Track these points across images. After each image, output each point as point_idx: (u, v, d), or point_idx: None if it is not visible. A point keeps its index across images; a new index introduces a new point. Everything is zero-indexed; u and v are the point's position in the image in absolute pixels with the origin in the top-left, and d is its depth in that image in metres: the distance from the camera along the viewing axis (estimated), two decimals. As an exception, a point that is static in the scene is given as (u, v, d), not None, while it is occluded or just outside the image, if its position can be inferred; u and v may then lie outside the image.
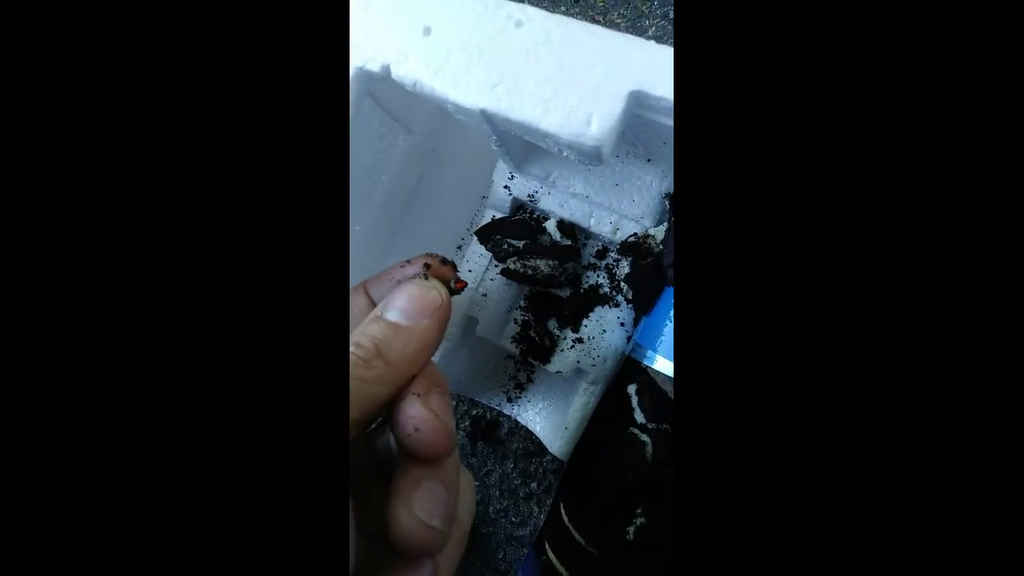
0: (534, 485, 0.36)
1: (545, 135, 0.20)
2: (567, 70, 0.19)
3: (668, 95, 0.19)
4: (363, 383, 0.17)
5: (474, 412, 0.37)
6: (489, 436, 0.37)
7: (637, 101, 0.19)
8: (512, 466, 0.36)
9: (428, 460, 0.17)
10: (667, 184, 0.26)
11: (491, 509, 0.36)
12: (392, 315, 0.18)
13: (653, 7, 0.38)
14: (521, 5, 0.21)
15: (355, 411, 0.16)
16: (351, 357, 0.17)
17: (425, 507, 0.16)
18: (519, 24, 0.20)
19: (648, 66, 0.19)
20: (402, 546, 0.16)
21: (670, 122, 0.20)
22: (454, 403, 0.38)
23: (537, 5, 0.40)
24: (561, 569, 0.26)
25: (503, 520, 0.36)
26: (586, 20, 0.39)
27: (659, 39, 0.39)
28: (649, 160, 0.26)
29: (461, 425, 0.38)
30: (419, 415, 0.17)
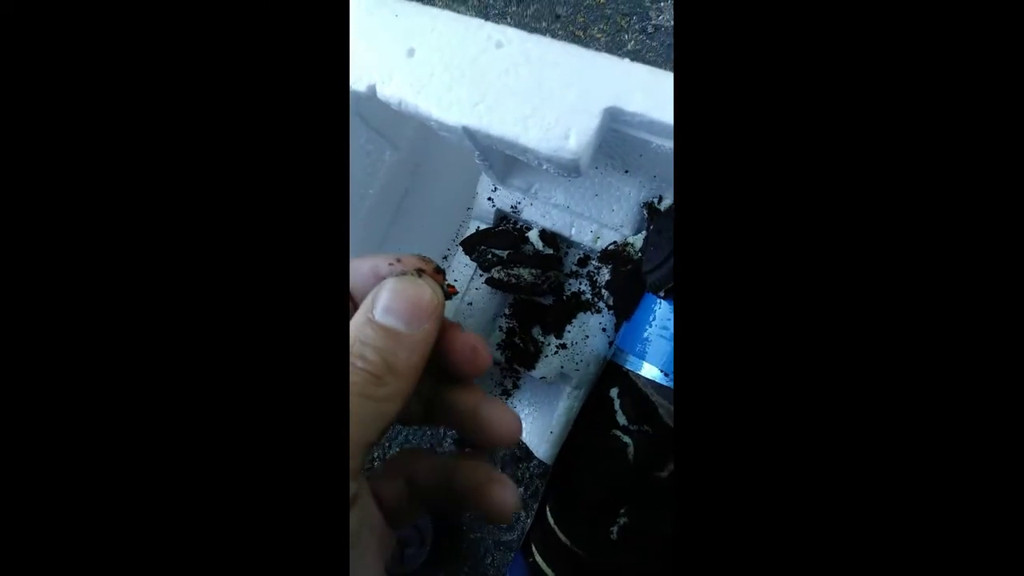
0: (521, 490, 0.37)
1: (525, 150, 0.21)
2: (545, 88, 0.20)
3: (642, 111, 0.20)
4: (376, 402, 0.15)
5: (462, 419, 0.38)
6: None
7: (613, 117, 0.20)
8: (500, 472, 0.37)
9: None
10: (644, 194, 0.27)
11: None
12: (386, 318, 0.17)
13: (632, 22, 0.40)
14: (501, 27, 0.22)
15: (371, 433, 0.15)
16: (360, 374, 0.15)
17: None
18: (499, 45, 0.21)
19: (623, 84, 0.20)
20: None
21: (645, 136, 0.21)
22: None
23: (519, 19, 0.41)
24: (548, 570, 0.26)
25: (491, 525, 0.37)
26: (567, 35, 0.41)
27: (638, 52, 0.40)
28: (627, 171, 0.27)
29: (449, 433, 0.38)
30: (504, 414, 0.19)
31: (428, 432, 0.39)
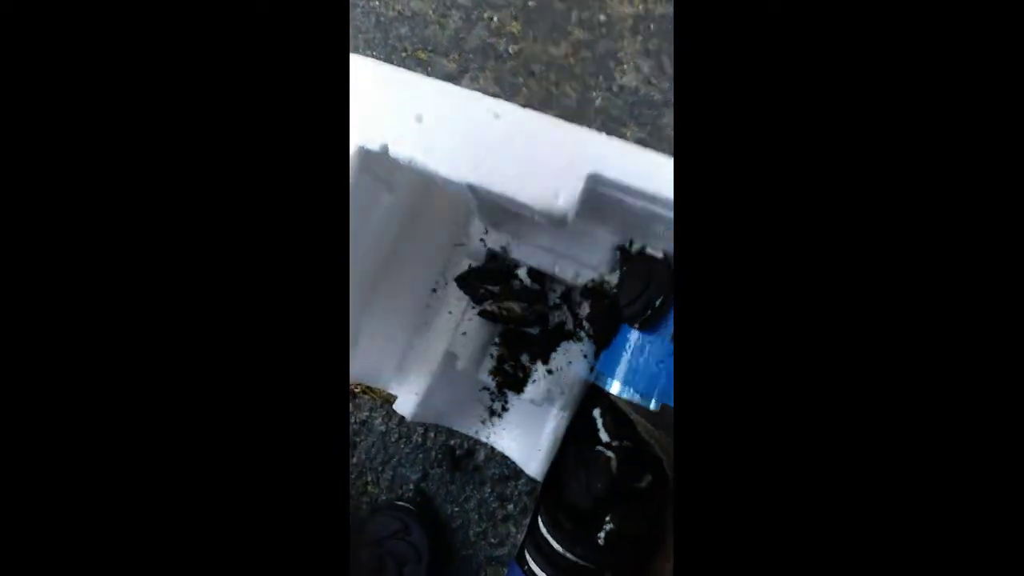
0: (511, 507, 0.39)
1: (522, 205, 0.24)
2: (537, 155, 0.24)
3: (618, 177, 0.24)
4: None
5: (451, 442, 0.40)
6: (463, 465, 0.40)
7: (594, 180, 0.24)
8: (489, 491, 0.39)
9: None
10: (617, 238, 0.31)
11: (471, 532, 0.39)
12: None
13: (599, 82, 0.45)
14: (497, 100, 0.25)
15: None
16: None
17: None
18: (497, 116, 0.25)
19: (602, 154, 0.24)
20: None
21: (619, 195, 0.25)
22: (432, 435, 0.41)
23: (497, 73, 0.45)
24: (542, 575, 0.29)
25: (482, 542, 0.39)
26: (541, 90, 0.45)
27: (604, 109, 0.45)
28: (602, 220, 0.31)
29: (437, 455, 0.40)
30: None
31: (420, 454, 0.41)
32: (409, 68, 0.48)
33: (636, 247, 0.30)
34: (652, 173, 0.24)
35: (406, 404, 0.33)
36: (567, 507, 0.30)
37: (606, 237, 0.31)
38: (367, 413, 0.42)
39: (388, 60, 0.47)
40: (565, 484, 0.30)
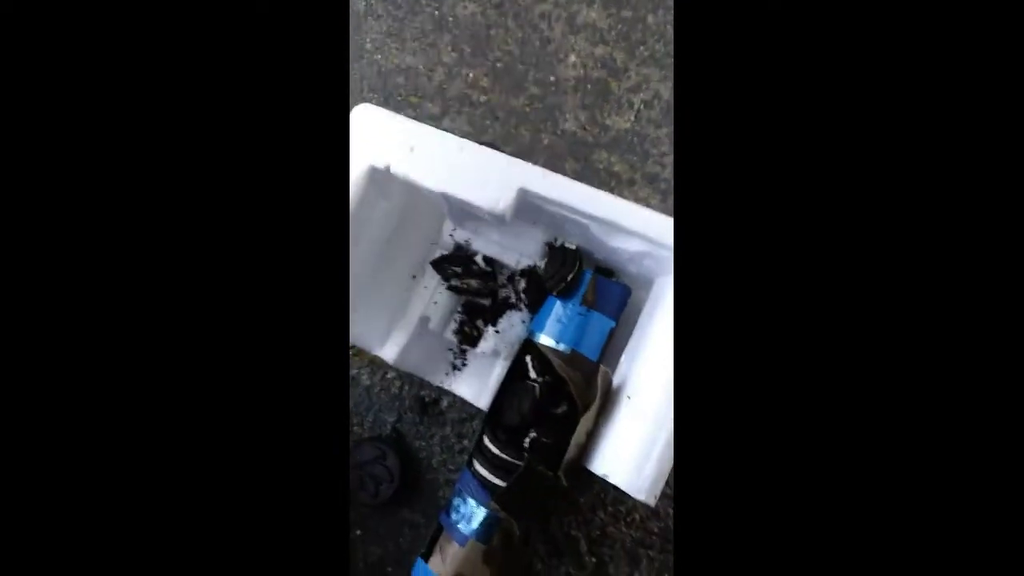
0: (466, 442, 0.51)
1: (476, 207, 0.37)
2: (486, 175, 0.37)
3: (539, 191, 0.37)
4: None
5: (422, 393, 0.52)
6: (430, 411, 0.52)
7: (524, 193, 0.37)
8: (450, 430, 0.51)
9: None
10: (546, 236, 0.44)
11: (434, 461, 0.50)
12: None
13: (547, 126, 0.59)
14: (462, 139, 0.39)
15: None
16: None
17: None
18: (461, 149, 0.38)
19: (528, 177, 0.37)
20: None
21: (542, 204, 0.38)
22: (407, 387, 0.52)
23: (470, 118, 0.59)
24: (484, 472, 0.41)
25: (443, 468, 0.50)
26: (504, 131, 0.59)
27: (551, 147, 0.59)
28: (534, 222, 0.44)
29: (410, 403, 0.52)
30: None
31: (396, 402, 0.52)
32: (402, 109, 0.62)
33: (559, 241, 0.43)
34: (561, 189, 0.37)
35: (390, 352, 0.45)
36: (504, 425, 0.41)
37: (538, 234, 0.44)
38: (356, 370, 0.53)
39: (386, 102, 0.60)
40: (503, 410, 0.42)
